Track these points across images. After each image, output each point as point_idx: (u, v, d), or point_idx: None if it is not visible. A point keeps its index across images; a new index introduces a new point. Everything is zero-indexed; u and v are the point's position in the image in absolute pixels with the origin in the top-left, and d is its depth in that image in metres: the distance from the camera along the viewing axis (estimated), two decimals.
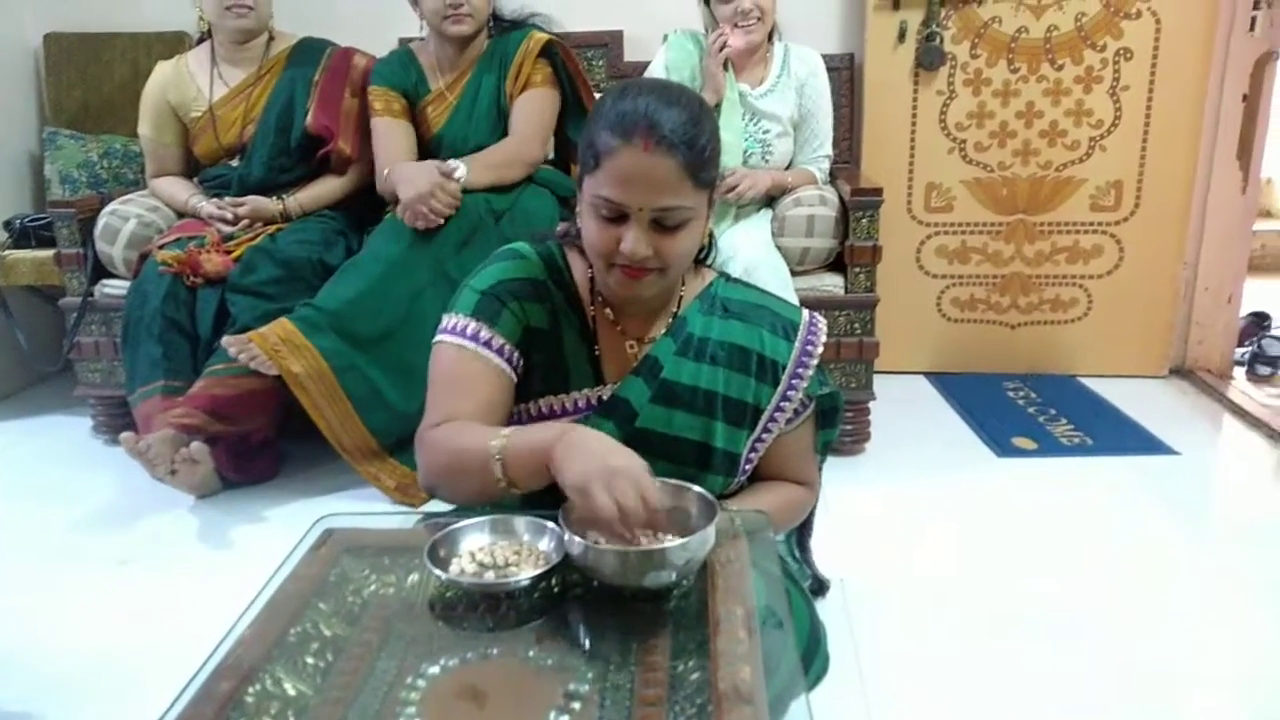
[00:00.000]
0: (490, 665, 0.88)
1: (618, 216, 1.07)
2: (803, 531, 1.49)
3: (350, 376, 2.18)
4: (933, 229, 2.98)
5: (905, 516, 2.12)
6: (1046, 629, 1.67)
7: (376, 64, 2.55)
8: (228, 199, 2.49)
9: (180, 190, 2.59)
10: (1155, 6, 2.72)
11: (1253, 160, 2.79)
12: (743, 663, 0.84)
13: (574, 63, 2.53)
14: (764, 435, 1.22)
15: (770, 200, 2.44)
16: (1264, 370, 2.99)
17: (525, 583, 0.95)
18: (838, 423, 1.31)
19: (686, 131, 1.04)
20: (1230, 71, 2.75)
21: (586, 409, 1.20)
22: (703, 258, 1.25)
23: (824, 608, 1.31)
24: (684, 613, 0.94)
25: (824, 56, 2.55)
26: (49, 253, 2.58)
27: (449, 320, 1.18)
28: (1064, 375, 2.99)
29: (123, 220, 2.47)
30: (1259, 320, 3.20)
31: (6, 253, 2.68)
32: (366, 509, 2.14)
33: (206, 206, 2.49)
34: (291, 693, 0.84)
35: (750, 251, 2.19)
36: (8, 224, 2.73)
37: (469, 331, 1.16)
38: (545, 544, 1.01)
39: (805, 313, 1.26)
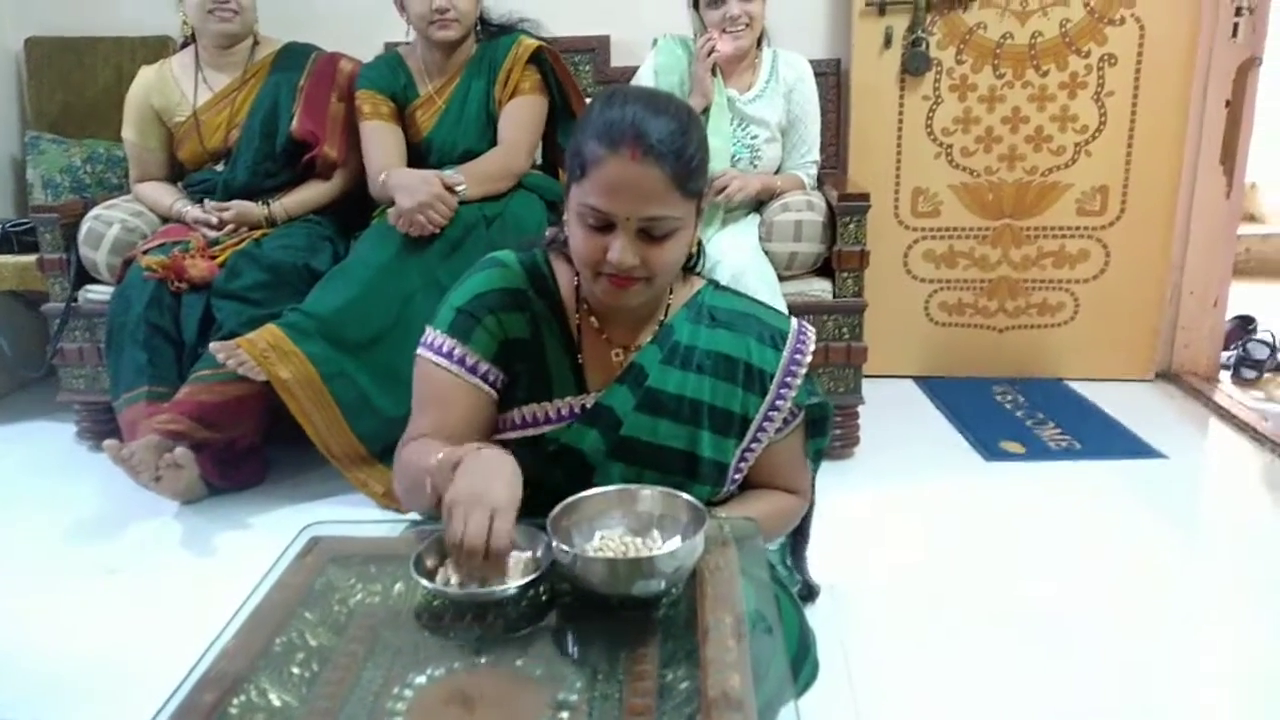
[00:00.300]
0: (478, 675, 0.87)
1: (605, 226, 1.07)
2: (798, 539, 1.49)
3: (338, 383, 2.17)
4: (920, 234, 2.99)
5: (893, 521, 2.12)
6: (1035, 633, 1.67)
7: (363, 68, 2.55)
8: (212, 204, 2.47)
9: (164, 195, 2.57)
10: (1139, 13, 2.74)
11: (1236, 165, 2.81)
12: (732, 671, 0.84)
13: (563, 69, 2.53)
14: (753, 445, 1.22)
15: (758, 205, 2.44)
16: (1249, 374, 3.02)
17: (513, 591, 0.95)
18: (828, 431, 1.31)
19: (674, 141, 1.04)
20: (1213, 77, 2.76)
21: (570, 417, 1.19)
22: (690, 265, 1.25)
23: (813, 613, 1.31)
24: (673, 621, 0.94)
25: (810, 62, 2.56)
26: (32, 258, 2.56)
27: (428, 335, 1.20)
28: (1051, 379, 3.01)
29: (106, 225, 2.45)
30: (1244, 324, 3.22)
31: None
32: (354, 515, 2.13)
33: (191, 211, 2.47)
34: (277, 703, 0.84)
35: (737, 257, 2.19)
36: None
37: (444, 349, 1.17)
38: (533, 552, 1.01)
39: (794, 321, 1.26)
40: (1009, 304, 3.01)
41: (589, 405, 1.19)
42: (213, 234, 2.42)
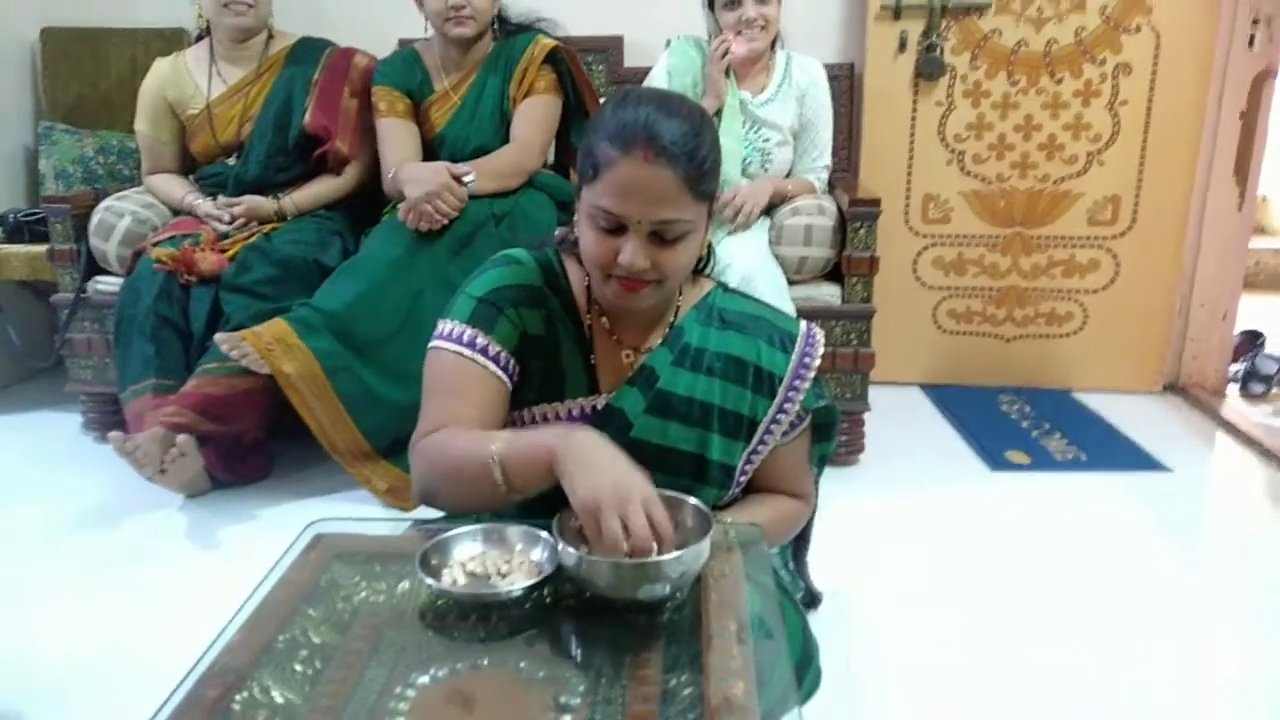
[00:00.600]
0: (481, 676, 0.87)
1: (616, 228, 1.06)
2: (799, 544, 1.48)
3: (343, 378, 2.17)
4: (930, 240, 2.98)
5: (897, 529, 2.12)
6: (1037, 643, 1.66)
7: (380, 64, 2.56)
8: (223, 199, 2.48)
9: (176, 188, 2.58)
10: (1155, 22, 2.73)
11: (1249, 177, 2.79)
12: (736, 678, 0.84)
13: (579, 69, 2.54)
14: (759, 447, 1.22)
15: (769, 209, 2.43)
16: (1258, 388, 3.00)
17: (517, 593, 0.94)
18: (834, 436, 1.31)
19: (687, 143, 1.03)
20: (1228, 88, 2.75)
21: (581, 418, 1.19)
22: (701, 268, 1.25)
23: (815, 620, 1.30)
24: (677, 626, 0.93)
25: (824, 66, 2.55)
26: (42, 248, 2.57)
27: (445, 326, 1.17)
28: (1058, 389, 2.99)
29: (118, 217, 2.45)
30: (1253, 338, 3.20)
31: None
32: (357, 511, 2.13)
33: (202, 205, 2.48)
34: (279, 700, 0.83)
35: (748, 260, 2.19)
36: (1, 218, 2.72)
37: (465, 338, 1.14)
38: (538, 554, 1.00)
39: (803, 324, 1.25)
40: (1017, 313, 3.00)
41: (600, 407, 1.18)
42: (223, 228, 2.43)
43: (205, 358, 2.21)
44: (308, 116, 2.49)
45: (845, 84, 2.85)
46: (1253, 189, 2.81)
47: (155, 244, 2.35)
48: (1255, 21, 2.68)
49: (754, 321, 1.22)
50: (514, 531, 1.03)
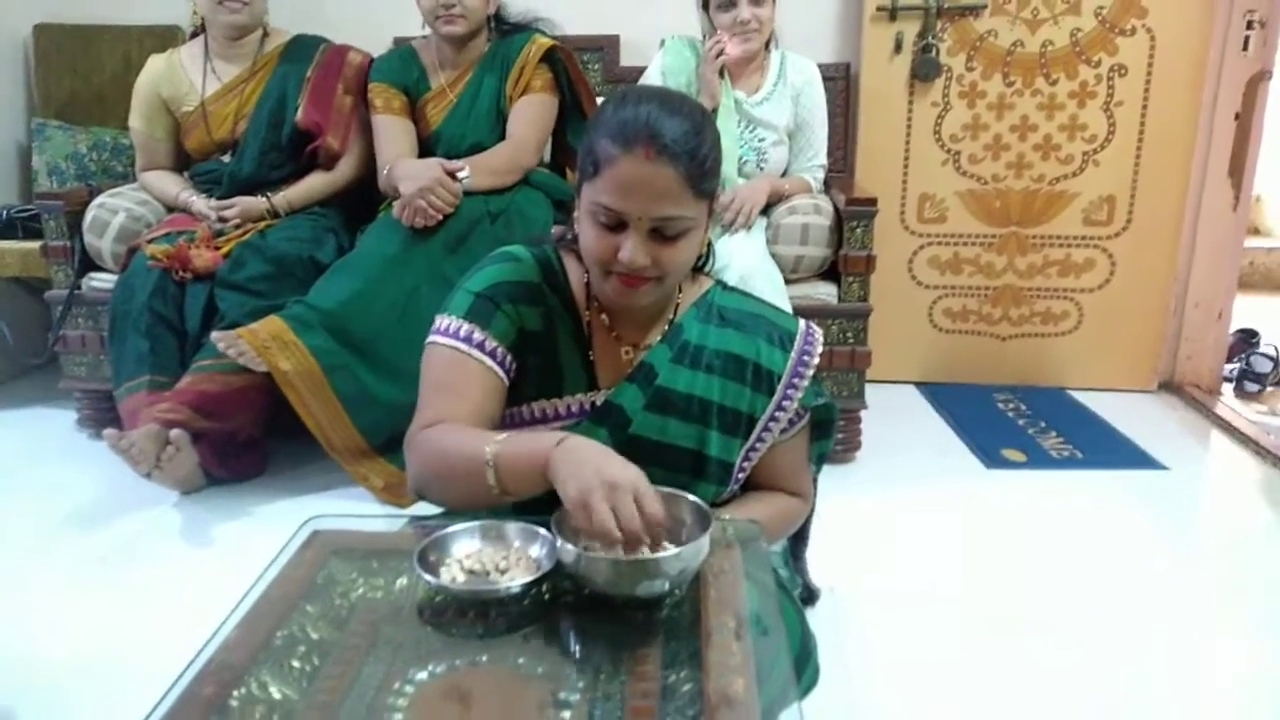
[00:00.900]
0: (479, 672, 0.87)
1: (617, 225, 1.06)
2: (798, 541, 1.48)
3: (339, 375, 2.16)
4: (926, 239, 2.99)
5: (894, 526, 2.12)
6: (1033, 640, 1.67)
7: (377, 61, 2.55)
8: (215, 202, 2.47)
9: (170, 184, 2.57)
10: (1150, 24, 2.73)
11: (1244, 178, 2.80)
12: (735, 674, 0.83)
13: (576, 69, 2.53)
14: (757, 445, 1.22)
15: (765, 207, 2.43)
16: (1252, 387, 3.01)
17: (516, 589, 0.94)
18: (833, 434, 1.31)
19: (688, 141, 1.03)
20: (1223, 89, 2.76)
21: (579, 414, 1.19)
22: (700, 265, 1.25)
23: (813, 617, 1.30)
24: (676, 622, 0.93)
25: (820, 66, 2.55)
26: (35, 244, 2.56)
27: (442, 322, 1.16)
28: (1054, 388, 3.00)
29: (111, 213, 2.44)
30: (1247, 337, 3.21)
31: None
32: (354, 508, 2.13)
33: (197, 203, 2.47)
34: (277, 697, 0.83)
35: (745, 259, 2.19)
36: None
37: (462, 333, 1.14)
38: (536, 550, 1.00)
39: (802, 323, 1.25)
40: (1013, 312, 3.01)
41: (598, 403, 1.18)
42: (218, 224, 2.42)
43: (201, 354, 2.20)
44: (300, 112, 2.48)
45: (841, 84, 2.85)
46: (1247, 189, 2.82)
47: (150, 241, 2.34)
48: (1250, 24, 2.68)
49: (753, 319, 1.22)
50: (512, 528, 1.03)
